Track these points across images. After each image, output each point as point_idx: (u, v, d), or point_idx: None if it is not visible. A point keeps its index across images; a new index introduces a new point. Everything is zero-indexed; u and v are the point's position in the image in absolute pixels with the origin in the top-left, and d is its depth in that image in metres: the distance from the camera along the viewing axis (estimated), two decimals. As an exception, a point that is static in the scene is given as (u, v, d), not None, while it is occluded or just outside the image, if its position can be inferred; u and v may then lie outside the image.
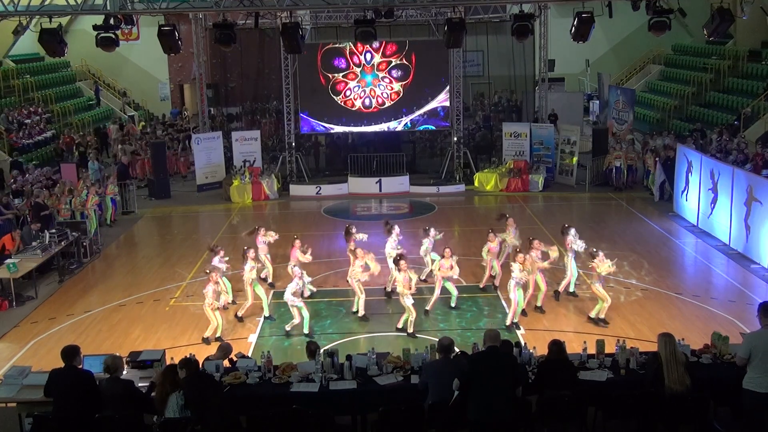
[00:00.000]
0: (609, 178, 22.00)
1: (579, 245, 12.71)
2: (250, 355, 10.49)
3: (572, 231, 12.81)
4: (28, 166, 21.09)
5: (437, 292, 12.55)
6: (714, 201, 16.65)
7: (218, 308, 11.69)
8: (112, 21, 13.77)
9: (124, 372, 8.22)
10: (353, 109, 22.94)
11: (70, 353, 7.60)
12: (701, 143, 21.41)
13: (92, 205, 17.78)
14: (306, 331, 11.73)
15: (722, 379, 7.97)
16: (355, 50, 22.43)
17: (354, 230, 13.75)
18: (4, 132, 23.19)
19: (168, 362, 8.07)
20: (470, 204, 21.45)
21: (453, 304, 12.74)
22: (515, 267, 11.54)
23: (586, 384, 7.93)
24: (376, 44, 21.32)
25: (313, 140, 25.16)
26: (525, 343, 9.30)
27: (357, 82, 22.76)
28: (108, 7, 13.57)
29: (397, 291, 11.75)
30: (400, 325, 11.89)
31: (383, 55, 22.48)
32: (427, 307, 12.59)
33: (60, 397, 7.48)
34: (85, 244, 16.16)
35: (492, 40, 24.61)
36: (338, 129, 23.41)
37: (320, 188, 22.34)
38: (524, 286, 11.86)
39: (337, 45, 22.53)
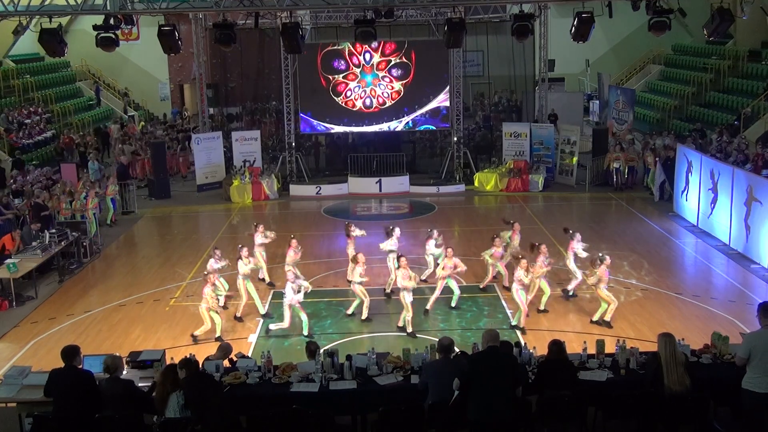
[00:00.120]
0: (609, 179, 22.01)
1: (580, 249, 12.80)
2: (250, 355, 10.49)
3: (578, 236, 12.94)
4: (29, 167, 21.09)
5: (437, 291, 12.56)
6: (714, 201, 16.66)
7: (216, 309, 11.69)
8: (112, 21, 13.77)
9: (124, 372, 8.23)
10: (354, 109, 22.94)
11: (70, 353, 7.59)
12: (700, 143, 21.41)
13: (92, 207, 17.79)
14: (305, 332, 11.72)
15: (722, 379, 7.97)
16: (354, 51, 22.44)
17: (353, 228, 13.79)
18: (3, 132, 23.19)
19: (168, 362, 8.07)
20: (470, 204, 21.44)
21: (453, 304, 12.75)
22: (519, 272, 11.58)
23: (586, 384, 7.93)
24: (374, 44, 21.30)
25: (313, 140, 25.16)
26: (525, 343, 9.30)
27: (357, 82, 22.76)
28: (108, 7, 13.57)
29: (399, 286, 11.75)
30: (400, 324, 11.91)
31: (382, 54, 22.47)
32: (428, 307, 12.60)
33: (60, 397, 7.48)
34: (85, 244, 16.16)
35: (492, 40, 24.59)
36: (339, 129, 23.42)
37: (320, 188, 22.34)
38: (526, 288, 11.90)
39: (335, 47, 22.54)
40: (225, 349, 8.97)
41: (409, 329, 11.73)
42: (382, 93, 22.82)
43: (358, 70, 22.66)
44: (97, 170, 21.81)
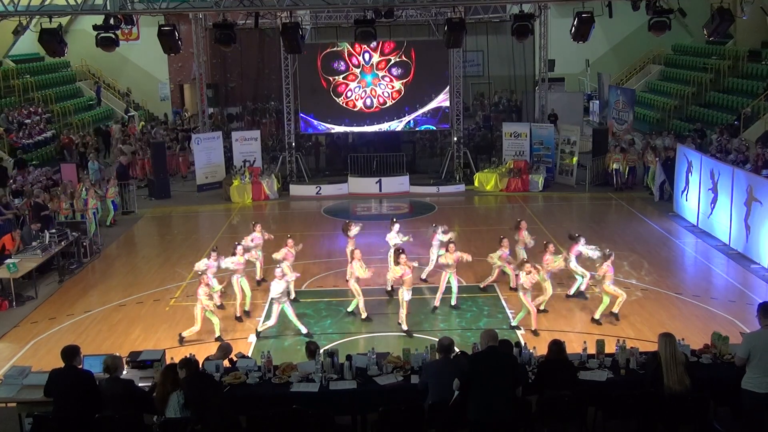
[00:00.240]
0: (609, 179, 22.00)
1: (588, 251, 12.71)
2: (250, 355, 10.49)
3: (582, 240, 12.91)
4: (29, 168, 21.07)
5: (442, 287, 12.62)
6: (714, 201, 16.66)
7: (213, 309, 11.67)
8: (112, 21, 13.77)
9: (124, 372, 8.23)
10: (355, 109, 22.94)
11: (70, 353, 7.59)
12: (699, 143, 21.41)
13: (93, 208, 17.78)
14: (304, 331, 11.73)
15: (722, 379, 7.97)
16: (353, 51, 22.43)
17: (351, 227, 13.79)
18: (3, 132, 23.19)
19: (168, 362, 8.07)
20: (470, 204, 21.44)
21: (453, 303, 12.77)
22: (522, 275, 11.60)
23: (586, 384, 7.93)
24: (373, 43, 21.29)
25: (313, 140, 25.15)
26: (525, 343, 9.31)
27: (357, 82, 22.76)
28: (108, 7, 13.57)
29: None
30: (400, 320, 11.92)
31: (382, 53, 22.47)
32: (435, 303, 12.71)
33: (60, 397, 7.48)
34: (85, 244, 16.16)
35: (492, 40, 24.58)
36: (339, 129, 23.42)
37: (320, 188, 22.34)
38: (536, 288, 11.95)
39: (335, 48, 22.53)
40: (225, 349, 8.98)
41: (405, 327, 11.75)
42: (383, 92, 22.82)
43: (357, 71, 22.66)
44: (96, 170, 21.80)
